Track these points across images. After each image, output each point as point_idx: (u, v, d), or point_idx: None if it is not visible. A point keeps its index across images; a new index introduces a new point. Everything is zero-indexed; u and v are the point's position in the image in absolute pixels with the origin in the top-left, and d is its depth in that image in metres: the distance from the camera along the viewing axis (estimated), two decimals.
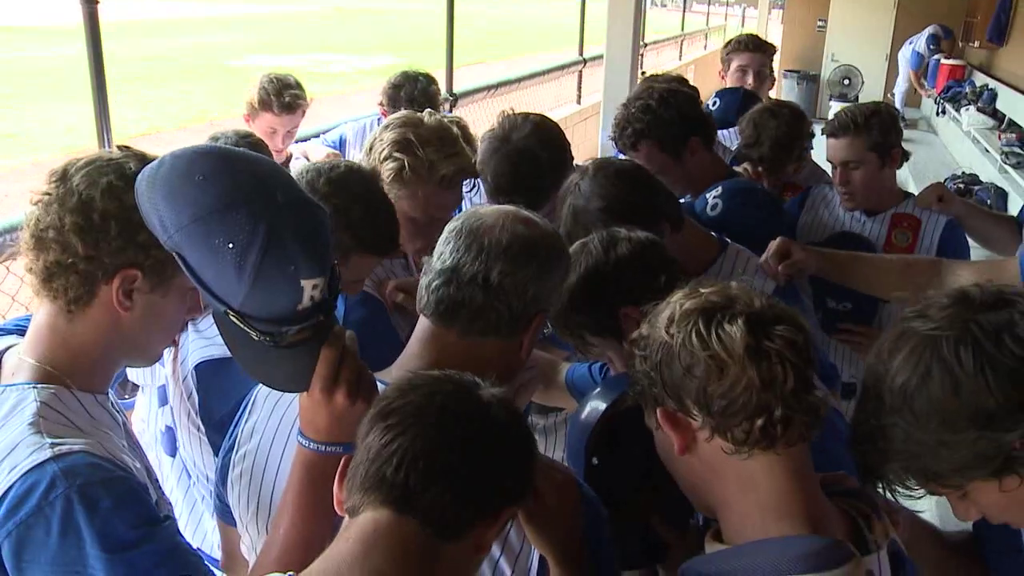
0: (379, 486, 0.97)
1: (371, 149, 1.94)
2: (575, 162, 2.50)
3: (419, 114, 2.04)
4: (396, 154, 1.89)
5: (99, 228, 1.21)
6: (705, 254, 1.99)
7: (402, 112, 2.11)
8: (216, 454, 1.70)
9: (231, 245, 1.09)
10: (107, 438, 1.25)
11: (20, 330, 1.45)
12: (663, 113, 2.40)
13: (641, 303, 1.47)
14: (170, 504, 1.48)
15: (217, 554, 1.59)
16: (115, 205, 1.21)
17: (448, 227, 1.31)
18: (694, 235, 2.00)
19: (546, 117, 2.39)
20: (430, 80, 3.50)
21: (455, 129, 2.06)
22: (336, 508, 1.09)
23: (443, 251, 1.28)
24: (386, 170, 1.88)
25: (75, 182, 1.23)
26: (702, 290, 1.14)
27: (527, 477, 1.06)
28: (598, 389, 1.50)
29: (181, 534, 1.25)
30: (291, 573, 0.99)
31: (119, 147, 1.31)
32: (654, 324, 1.15)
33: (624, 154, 2.52)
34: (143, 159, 1.27)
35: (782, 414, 1.05)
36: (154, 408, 1.99)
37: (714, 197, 2.35)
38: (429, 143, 1.90)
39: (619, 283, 1.55)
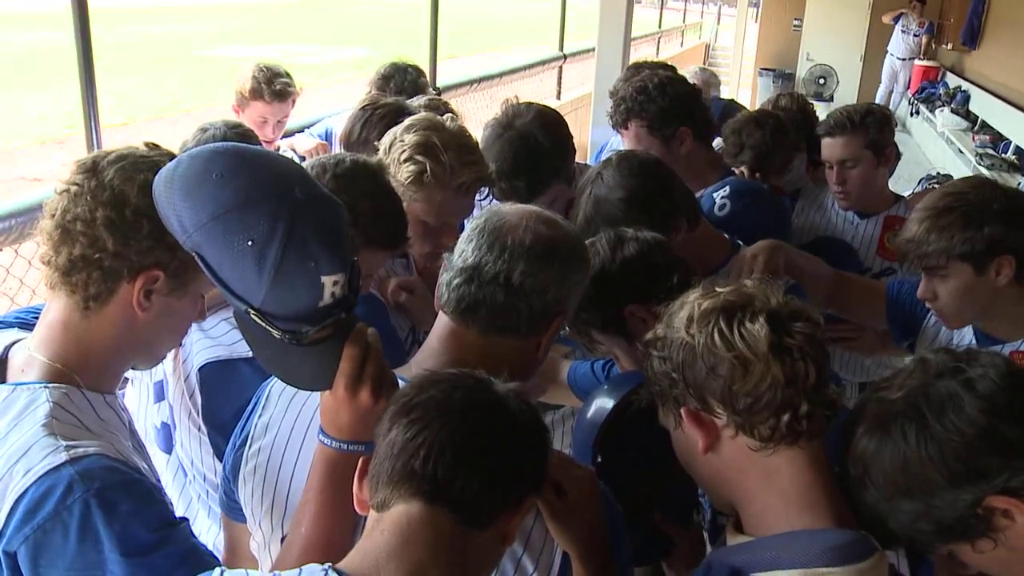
0: (409, 478, 1.00)
1: (390, 148, 1.92)
2: None
3: (439, 118, 2.02)
4: (418, 157, 1.86)
5: (131, 225, 1.20)
6: (716, 255, 2.00)
7: (422, 114, 2.10)
8: (216, 455, 1.69)
9: (250, 243, 1.08)
10: (116, 439, 1.23)
11: (22, 323, 1.42)
12: (657, 97, 2.46)
13: (647, 302, 1.49)
14: (170, 502, 1.47)
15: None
16: (149, 203, 1.19)
17: (470, 225, 1.30)
18: (708, 235, 2.02)
19: (548, 106, 2.40)
20: (419, 72, 3.49)
21: (474, 137, 2.05)
22: (357, 507, 1.09)
23: (465, 249, 1.27)
24: (405, 171, 1.86)
25: (108, 175, 1.21)
26: (718, 289, 1.15)
27: (543, 467, 1.09)
28: (605, 387, 1.50)
29: (195, 535, 1.24)
30: (328, 565, 0.99)
31: (147, 144, 1.29)
32: (671, 324, 1.15)
33: (617, 131, 2.57)
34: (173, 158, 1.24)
35: (807, 409, 1.07)
36: (145, 403, 1.96)
37: (722, 197, 2.36)
38: (451, 148, 1.88)
39: (625, 282, 1.57)
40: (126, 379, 2.13)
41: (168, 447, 1.87)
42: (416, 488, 0.99)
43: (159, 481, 1.39)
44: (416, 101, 2.85)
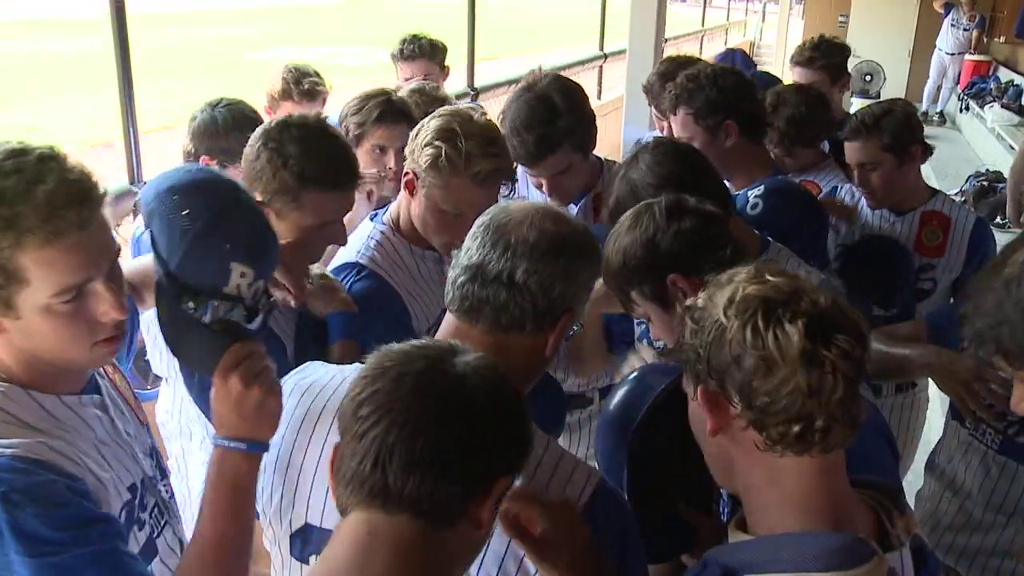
0: (360, 483, 0.96)
1: (416, 135, 1.93)
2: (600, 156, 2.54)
3: (470, 110, 2.03)
4: (436, 141, 1.86)
5: None
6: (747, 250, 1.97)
7: (452, 106, 2.16)
8: None
9: (185, 212, 1.29)
10: (72, 439, 1.22)
11: None
12: (706, 86, 2.45)
13: (690, 274, 1.51)
14: (172, 496, 1.49)
15: None
16: None
17: (477, 221, 1.30)
18: (739, 230, 1.98)
19: (570, 78, 2.48)
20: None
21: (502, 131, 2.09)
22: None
23: (470, 246, 1.27)
24: (424, 156, 1.87)
25: None
26: (768, 276, 1.08)
27: (517, 443, 1.03)
28: (631, 379, 1.49)
29: (123, 537, 1.22)
30: None
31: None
32: (713, 299, 1.10)
33: (664, 119, 2.60)
34: None
35: (823, 424, 1.02)
36: (180, 399, 2.00)
37: (755, 196, 2.36)
38: (472, 137, 1.87)
39: (674, 252, 1.56)
40: (157, 377, 2.17)
41: None
42: (368, 494, 0.95)
43: (153, 480, 1.39)
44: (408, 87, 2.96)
